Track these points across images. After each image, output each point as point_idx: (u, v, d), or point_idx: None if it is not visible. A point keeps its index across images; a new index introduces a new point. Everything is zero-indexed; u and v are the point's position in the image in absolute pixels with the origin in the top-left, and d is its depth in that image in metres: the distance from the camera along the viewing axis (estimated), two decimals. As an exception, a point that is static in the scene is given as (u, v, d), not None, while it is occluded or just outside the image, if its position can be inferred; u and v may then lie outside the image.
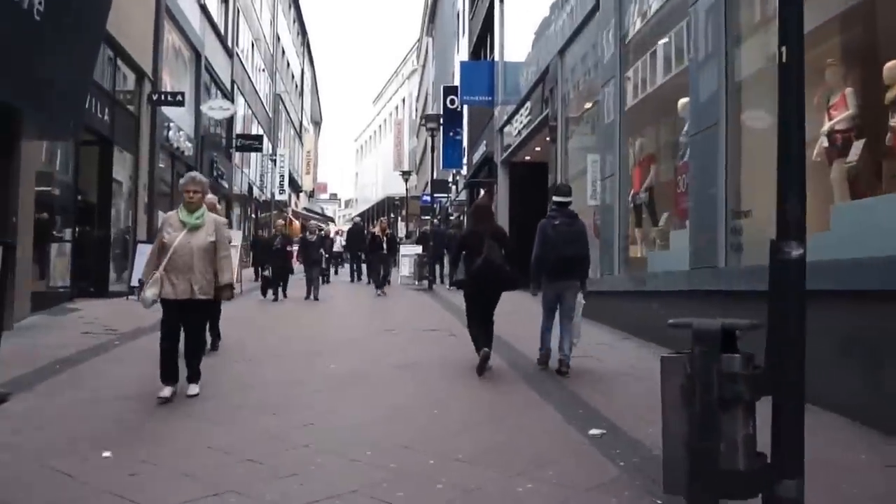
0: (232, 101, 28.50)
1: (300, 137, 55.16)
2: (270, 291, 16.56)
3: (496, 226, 8.69)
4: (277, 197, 40.74)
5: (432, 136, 23.65)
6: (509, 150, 21.24)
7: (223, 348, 9.33)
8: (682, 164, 9.62)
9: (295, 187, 52.23)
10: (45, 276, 13.21)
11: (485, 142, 25.19)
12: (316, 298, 16.64)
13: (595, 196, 13.64)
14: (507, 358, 8.80)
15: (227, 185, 27.04)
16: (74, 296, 14.42)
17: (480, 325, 8.03)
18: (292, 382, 7.45)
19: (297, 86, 54.07)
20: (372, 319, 13.67)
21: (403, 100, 69.20)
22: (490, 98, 23.67)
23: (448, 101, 30.61)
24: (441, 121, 29.06)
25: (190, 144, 21.59)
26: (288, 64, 48.60)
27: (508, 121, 21.21)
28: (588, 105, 14.33)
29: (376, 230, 20.79)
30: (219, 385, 7.18)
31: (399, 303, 17.24)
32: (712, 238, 8.17)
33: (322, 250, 18.40)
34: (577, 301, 7.91)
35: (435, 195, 33.36)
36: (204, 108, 22.59)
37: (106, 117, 14.87)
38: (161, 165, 20.04)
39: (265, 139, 38.48)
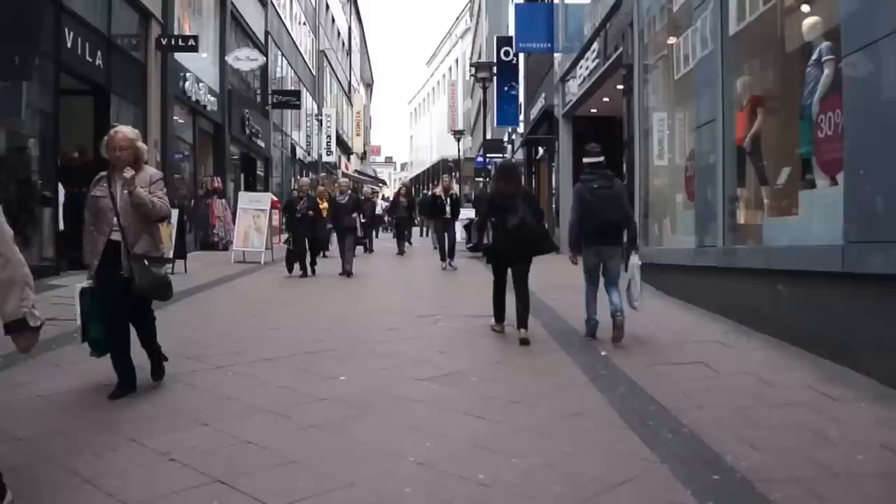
0: (265, 54, 26.28)
1: (349, 98, 52.84)
2: (298, 266, 13.89)
3: (526, 187, 9.09)
4: (325, 158, 38.60)
5: (484, 89, 20.93)
6: (572, 102, 18.56)
7: (205, 347, 7.07)
8: (826, 100, 6.94)
9: (345, 149, 50.09)
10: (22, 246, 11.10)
11: (543, 95, 22.48)
12: (349, 274, 13.82)
13: (684, 150, 11.10)
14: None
15: (262, 144, 24.82)
16: (62, 269, 12.35)
17: (502, 290, 7.78)
18: (276, 410, 5.09)
19: (343, 43, 51.67)
20: (412, 299, 11.28)
21: (457, 60, 66.59)
22: (549, 45, 20.87)
23: (502, 53, 27.81)
24: (494, 73, 26.42)
25: (213, 99, 19.38)
26: (333, 20, 46.18)
27: (571, 69, 18.49)
28: (673, 40, 11.61)
29: (438, 190, 17.11)
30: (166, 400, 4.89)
31: (447, 276, 14.91)
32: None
33: (357, 214, 15.12)
34: (632, 264, 7.36)
35: (489, 156, 30.78)
36: (229, 58, 20.36)
37: (99, 62, 12.68)
38: (180, 121, 17.92)
39: (308, 97, 36.32)
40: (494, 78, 28.01)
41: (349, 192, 14.79)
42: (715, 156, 9.12)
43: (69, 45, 11.47)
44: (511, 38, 25.50)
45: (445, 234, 15.56)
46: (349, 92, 53.34)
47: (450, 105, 63.78)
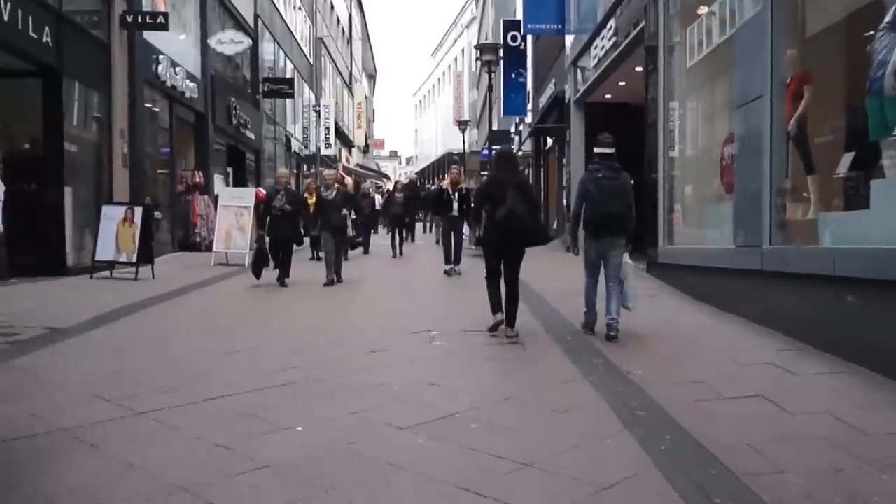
0: (255, 38, 24.80)
1: (350, 89, 51.32)
2: (275, 270, 11.88)
3: (521, 175, 8.20)
4: (324, 151, 37.08)
5: (489, 74, 19.35)
6: (585, 86, 17.04)
7: (134, 382, 5.62)
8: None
9: (346, 142, 48.60)
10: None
11: (553, 80, 20.96)
12: (332, 282, 11.79)
13: (717, 135, 9.62)
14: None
15: (252, 136, 23.33)
16: (12, 275, 10.97)
17: (497, 284, 7.39)
18: (194, 490, 3.59)
19: (343, 31, 50.13)
20: (406, 311, 9.69)
21: (462, 50, 65.01)
22: (559, 26, 19.30)
23: (509, 38, 26.26)
24: (501, 57, 24.85)
25: (194, 85, 17.89)
26: (332, 6, 44.65)
27: (584, 51, 16.96)
28: (705, 9, 10.09)
29: (445, 183, 14.70)
30: None
31: (449, 282, 12.96)
32: None
33: (349, 210, 12.55)
34: (624, 262, 7.25)
35: (495, 148, 29.23)
36: (212, 41, 18.87)
37: (47, 39, 11.22)
38: (155, 109, 16.47)
39: (305, 87, 34.85)
40: (501, 63, 26.49)
41: (337, 185, 12.86)
42: (760, 139, 7.63)
43: (6, 17, 10.01)
44: (519, 21, 23.98)
45: (452, 233, 13.43)
46: (350, 82, 51.81)
47: (455, 97, 62.34)
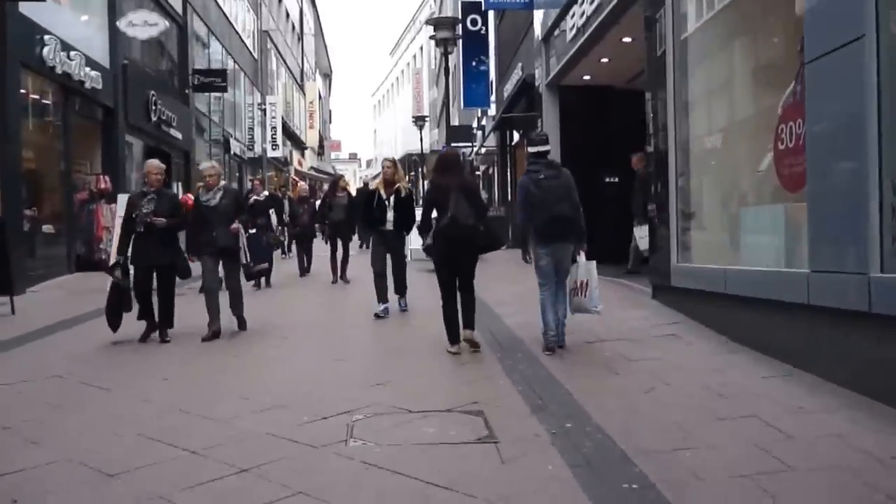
0: (183, 25, 21.81)
1: (301, 87, 48.25)
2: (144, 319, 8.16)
3: (465, 178, 7.74)
4: (270, 153, 34.07)
5: (445, 55, 16.47)
6: (559, 66, 14.32)
7: None
8: None
9: (297, 143, 45.56)
10: None
11: (520, 64, 18.23)
12: (216, 334, 7.98)
13: (760, 111, 6.94)
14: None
15: (178, 135, 20.29)
16: None
17: (454, 305, 6.87)
18: None
19: (294, 27, 47.05)
20: (318, 376, 6.50)
21: (421, 47, 62.11)
22: None
23: (469, 22, 23.62)
24: (459, 35, 22.12)
25: (97, 74, 14.86)
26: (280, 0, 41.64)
27: (557, 23, 14.22)
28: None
29: (376, 183, 10.11)
30: None
31: (394, 324, 8.82)
32: None
33: (244, 222, 8.51)
34: (583, 263, 6.73)
35: (455, 145, 26.53)
36: (122, 23, 15.87)
37: None
38: (44, 101, 13.52)
39: (245, 83, 31.89)
40: (460, 51, 23.80)
41: (223, 184, 8.47)
42: (861, 107, 4.91)
43: None
44: (479, 2, 21.33)
45: (389, 254, 9.32)
46: (302, 80, 48.74)
47: (414, 95, 59.53)
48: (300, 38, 48.93)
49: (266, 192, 10.11)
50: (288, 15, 44.52)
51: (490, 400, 5.19)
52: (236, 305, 8.43)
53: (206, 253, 8.18)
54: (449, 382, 6.02)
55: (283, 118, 36.78)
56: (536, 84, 16.09)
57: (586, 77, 14.53)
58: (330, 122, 79.46)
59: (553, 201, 6.56)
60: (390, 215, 9.10)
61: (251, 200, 12.80)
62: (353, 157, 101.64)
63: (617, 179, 14.79)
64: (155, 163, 8.24)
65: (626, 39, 11.70)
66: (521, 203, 6.76)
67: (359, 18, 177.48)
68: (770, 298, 6.11)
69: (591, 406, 4.94)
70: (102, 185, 15.10)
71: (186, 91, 21.84)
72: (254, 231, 9.75)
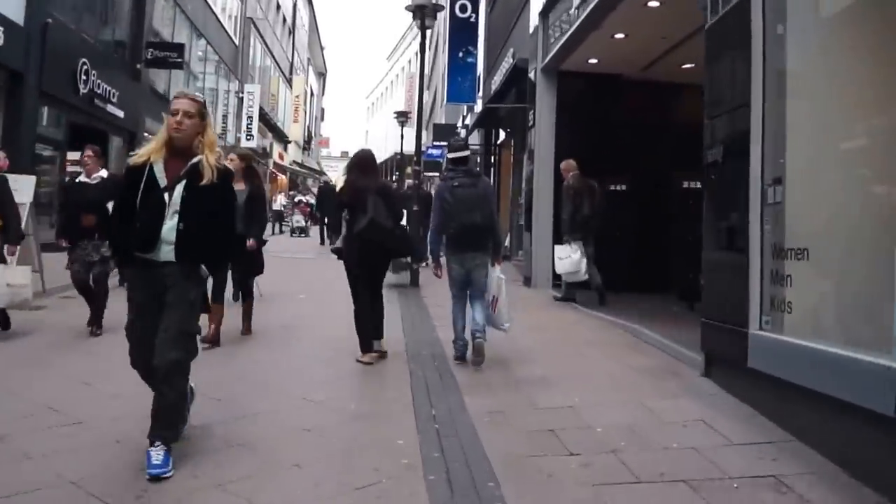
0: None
1: (289, 80, 44.82)
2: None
3: (382, 181, 7.14)
4: (244, 143, 30.71)
5: (422, 33, 13.15)
6: (559, 46, 11.06)
7: None
8: None
9: (280, 136, 42.18)
10: None
11: (512, 50, 14.98)
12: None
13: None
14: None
15: (119, 113, 16.92)
16: None
17: (367, 312, 6.34)
18: None
19: (285, 19, 43.59)
20: None
21: (416, 53, 59.08)
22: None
23: (458, 8, 20.41)
24: (447, 36, 18.92)
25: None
26: (268, -14, 38.19)
27: (559, -7, 11.07)
28: None
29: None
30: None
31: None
32: None
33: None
34: (495, 277, 6.35)
35: (437, 143, 23.31)
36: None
37: None
38: None
39: (220, 68, 28.53)
40: (446, 36, 20.60)
41: (104, 171, 6.72)
42: None
43: None
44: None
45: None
46: (290, 74, 45.32)
47: (407, 99, 56.62)
48: (291, 31, 45.48)
49: (104, 173, 6.65)
50: (279, 6, 41.10)
51: None
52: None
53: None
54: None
55: (262, 109, 33.44)
56: (531, 72, 12.83)
57: (592, 60, 11.29)
58: (322, 119, 76.33)
59: (464, 210, 6.21)
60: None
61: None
62: (345, 154, 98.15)
63: (625, 188, 11.68)
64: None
65: (653, 3, 8.52)
66: (436, 210, 6.43)
67: (357, 24, 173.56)
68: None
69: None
70: (-3, 164, 11.78)
71: (138, 66, 18.48)
72: None
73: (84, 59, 14.99)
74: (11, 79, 12.76)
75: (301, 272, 14.02)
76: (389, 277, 12.09)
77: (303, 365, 6.40)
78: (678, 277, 9.90)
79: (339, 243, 6.50)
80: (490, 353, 6.28)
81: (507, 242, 15.60)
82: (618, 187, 11.71)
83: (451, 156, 6.63)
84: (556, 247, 10.02)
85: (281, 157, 42.53)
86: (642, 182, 11.60)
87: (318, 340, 7.44)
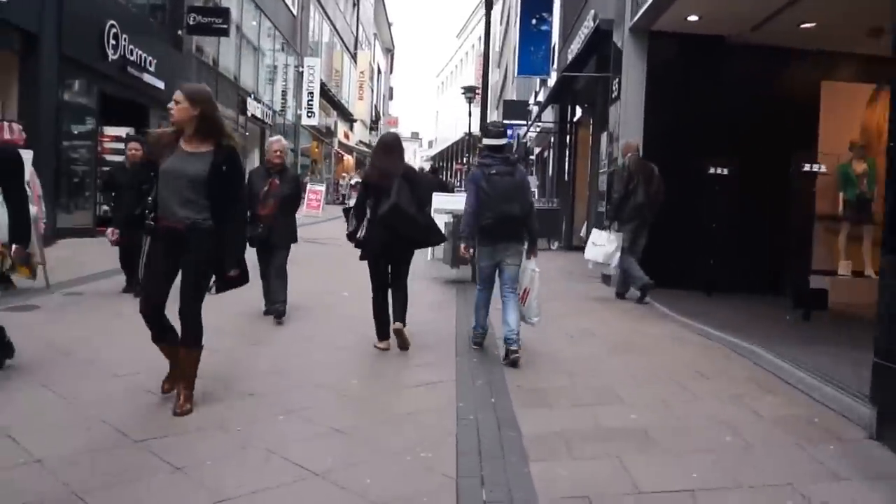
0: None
1: (353, 56, 43.20)
2: None
3: (407, 165, 6.38)
4: (306, 121, 29.25)
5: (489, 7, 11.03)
6: (651, 0, 9.00)
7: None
8: None
9: (344, 114, 40.67)
10: None
11: (593, 11, 12.85)
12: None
13: None
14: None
15: (159, 84, 15.37)
16: None
17: (385, 298, 6.06)
18: None
19: (350, -9, 41.94)
20: None
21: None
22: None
23: (531, -28, 18.30)
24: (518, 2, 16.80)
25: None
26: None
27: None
28: None
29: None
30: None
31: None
32: None
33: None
34: (529, 270, 5.99)
35: (508, 122, 21.25)
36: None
37: None
38: None
39: (277, 41, 26.93)
40: (518, 7, 18.51)
41: None
42: None
43: None
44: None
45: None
46: (355, 49, 43.70)
47: (477, 77, 54.78)
48: (356, 3, 43.80)
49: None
50: (342, -24, 39.54)
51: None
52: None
53: None
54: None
55: (324, 85, 31.87)
56: (615, 34, 10.73)
57: (692, 18, 9.16)
58: (391, 98, 74.86)
59: (502, 200, 5.79)
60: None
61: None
62: (415, 135, 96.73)
63: (726, 171, 9.61)
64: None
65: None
66: (472, 198, 5.94)
67: (426, 3, 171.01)
68: None
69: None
70: (7, 136, 10.34)
71: (179, 32, 16.96)
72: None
73: (112, 21, 13.42)
74: (26, 41, 11.27)
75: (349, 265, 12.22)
76: (448, 272, 10.26)
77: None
78: (792, 279, 8.58)
79: (351, 227, 6.10)
80: (564, 379, 5.17)
81: (582, 231, 13.63)
82: (718, 170, 9.67)
83: (487, 142, 6.11)
84: (594, 230, 9.37)
85: (346, 136, 41.08)
86: (749, 166, 9.53)
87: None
